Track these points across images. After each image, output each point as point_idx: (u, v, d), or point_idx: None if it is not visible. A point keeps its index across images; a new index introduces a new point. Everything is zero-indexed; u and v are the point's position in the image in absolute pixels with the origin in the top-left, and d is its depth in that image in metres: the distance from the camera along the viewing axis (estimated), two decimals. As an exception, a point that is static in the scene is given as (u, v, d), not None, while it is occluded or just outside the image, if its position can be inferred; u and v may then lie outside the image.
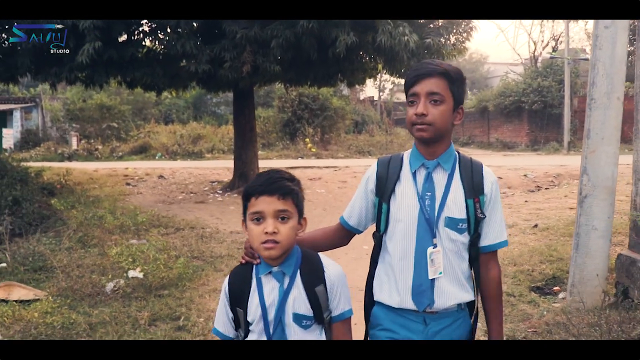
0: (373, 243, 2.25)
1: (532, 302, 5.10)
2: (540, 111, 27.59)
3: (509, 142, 29.76)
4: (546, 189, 12.97)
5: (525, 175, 15.07)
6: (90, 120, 27.18)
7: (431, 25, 10.83)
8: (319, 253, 2.15)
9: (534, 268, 6.04)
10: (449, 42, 10.59)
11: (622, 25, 4.46)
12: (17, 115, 27.99)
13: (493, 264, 2.20)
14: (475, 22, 10.96)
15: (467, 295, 2.15)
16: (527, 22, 35.85)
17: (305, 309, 2.01)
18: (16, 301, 4.98)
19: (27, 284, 5.62)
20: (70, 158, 22.19)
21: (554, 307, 4.91)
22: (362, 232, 2.32)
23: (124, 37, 10.55)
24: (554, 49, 32.90)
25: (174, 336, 4.36)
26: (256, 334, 2.02)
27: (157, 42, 10.91)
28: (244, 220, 2.05)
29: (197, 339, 4.36)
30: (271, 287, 2.01)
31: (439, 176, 2.11)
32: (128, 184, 14.44)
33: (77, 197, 10.65)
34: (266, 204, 1.96)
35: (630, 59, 13.87)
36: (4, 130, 26.64)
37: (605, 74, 4.51)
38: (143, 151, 23.93)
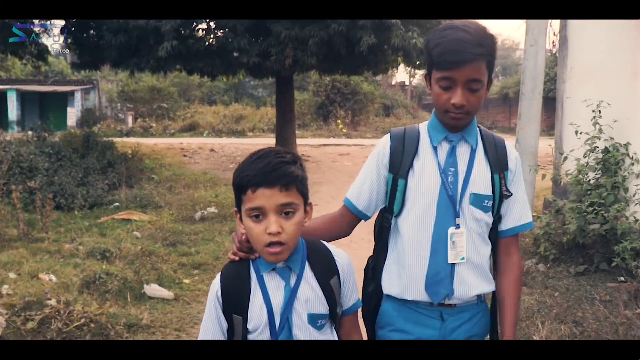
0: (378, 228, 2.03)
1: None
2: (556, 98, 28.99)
3: (528, 127, 31.23)
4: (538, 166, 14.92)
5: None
6: (142, 101, 29.68)
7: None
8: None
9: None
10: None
11: (541, 45, 6.73)
12: (78, 96, 30.49)
13: (514, 250, 1.97)
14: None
15: (489, 285, 1.94)
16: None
17: (322, 307, 1.71)
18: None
19: (139, 215, 8.24)
20: (128, 134, 24.44)
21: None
22: (369, 217, 2.03)
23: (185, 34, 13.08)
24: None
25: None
26: None
27: (215, 39, 13.41)
28: (239, 212, 1.70)
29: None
30: (276, 286, 1.69)
31: (463, 150, 1.89)
32: (185, 156, 16.85)
33: (153, 162, 13.30)
34: (266, 198, 1.58)
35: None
36: (69, 110, 29.57)
37: (531, 77, 6.79)
38: (192, 129, 26.35)
